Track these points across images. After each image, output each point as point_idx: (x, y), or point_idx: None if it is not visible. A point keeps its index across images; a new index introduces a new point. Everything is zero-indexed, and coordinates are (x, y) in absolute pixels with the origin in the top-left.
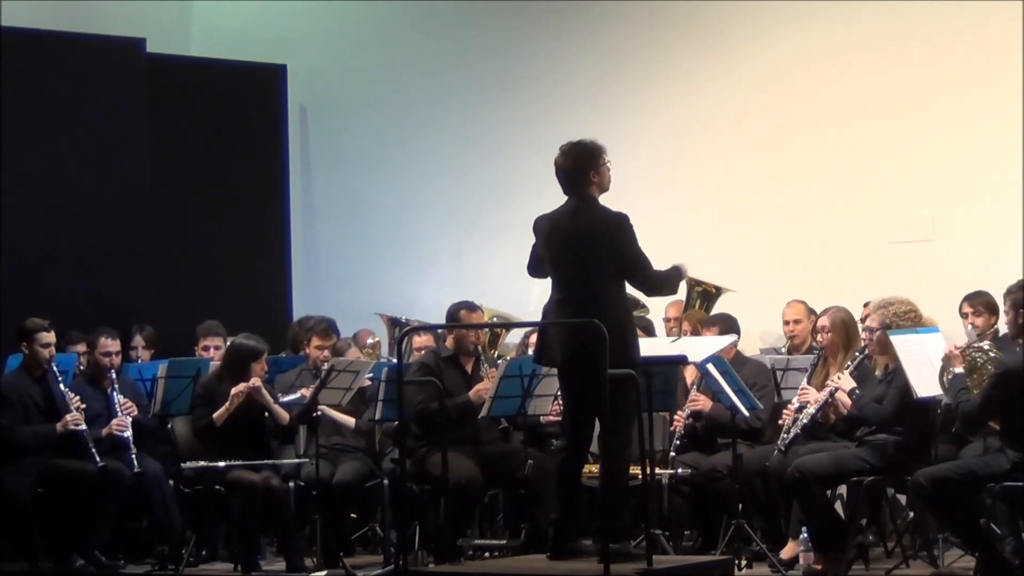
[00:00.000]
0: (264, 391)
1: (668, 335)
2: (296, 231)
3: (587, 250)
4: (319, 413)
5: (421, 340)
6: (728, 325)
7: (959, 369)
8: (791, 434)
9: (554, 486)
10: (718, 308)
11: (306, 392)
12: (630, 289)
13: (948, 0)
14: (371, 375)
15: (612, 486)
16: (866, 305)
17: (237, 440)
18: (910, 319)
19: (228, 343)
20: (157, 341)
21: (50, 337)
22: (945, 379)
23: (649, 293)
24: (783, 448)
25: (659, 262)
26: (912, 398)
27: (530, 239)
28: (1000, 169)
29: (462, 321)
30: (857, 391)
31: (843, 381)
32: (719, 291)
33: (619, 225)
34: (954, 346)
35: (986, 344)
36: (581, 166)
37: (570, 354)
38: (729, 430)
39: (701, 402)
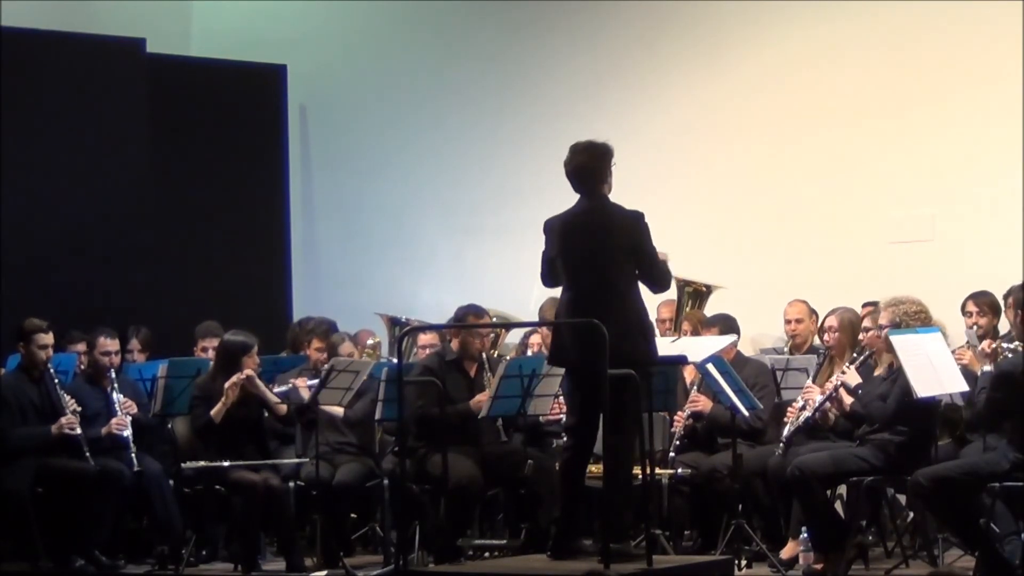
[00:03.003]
0: (258, 382)
1: (663, 335)
2: (296, 231)
3: (605, 247)
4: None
5: (426, 339)
6: (728, 325)
7: (989, 367)
8: (793, 426)
9: (555, 486)
10: (716, 308)
11: (296, 382)
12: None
13: (949, 0)
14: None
15: (615, 486)
16: (866, 305)
17: (237, 440)
18: (920, 319)
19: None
20: (153, 344)
21: (48, 339)
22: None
23: (659, 290)
24: (780, 453)
25: None
26: (913, 398)
27: (530, 239)
28: (1000, 169)
29: None
30: (860, 388)
31: (848, 376)
32: (709, 289)
33: (638, 223)
34: (988, 344)
35: (1016, 344)
36: (598, 163)
37: (583, 353)
38: (730, 430)
39: (701, 403)
